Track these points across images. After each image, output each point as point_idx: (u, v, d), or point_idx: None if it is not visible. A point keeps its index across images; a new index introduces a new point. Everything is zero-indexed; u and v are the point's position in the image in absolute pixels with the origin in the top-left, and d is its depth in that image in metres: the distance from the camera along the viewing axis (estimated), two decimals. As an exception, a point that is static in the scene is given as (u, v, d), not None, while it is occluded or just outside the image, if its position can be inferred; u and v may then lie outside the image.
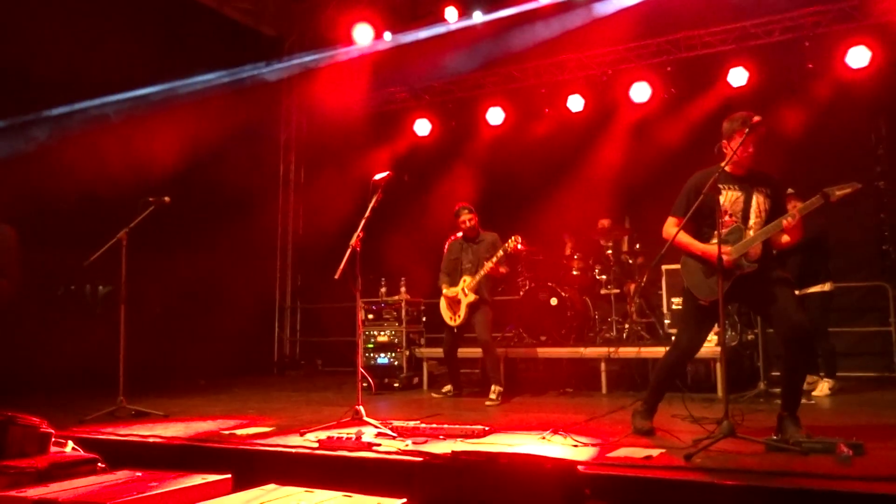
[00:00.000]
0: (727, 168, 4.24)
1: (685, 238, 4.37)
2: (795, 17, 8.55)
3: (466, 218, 6.93)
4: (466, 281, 6.80)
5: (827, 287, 6.21)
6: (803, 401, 5.15)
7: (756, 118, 4.19)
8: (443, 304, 6.99)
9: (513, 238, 6.56)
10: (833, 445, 3.55)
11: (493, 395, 6.49)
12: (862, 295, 7.97)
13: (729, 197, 4.27)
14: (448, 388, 7.09)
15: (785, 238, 4.20)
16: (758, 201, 4.24)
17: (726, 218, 4.26)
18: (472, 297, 6.73)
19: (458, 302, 6.82)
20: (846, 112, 8.30)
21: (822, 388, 6.12)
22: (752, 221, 4.23)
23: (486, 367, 6.81)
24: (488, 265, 6.62)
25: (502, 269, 6.74)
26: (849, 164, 7.91)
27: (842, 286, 7.31)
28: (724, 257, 4.07)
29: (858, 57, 8.18)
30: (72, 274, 8.24)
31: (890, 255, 8.07)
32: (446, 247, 7.19)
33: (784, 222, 4.11)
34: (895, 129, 8.24)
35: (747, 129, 4.16)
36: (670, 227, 4.42)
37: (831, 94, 8.41)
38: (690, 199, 4.29)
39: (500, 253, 6.58)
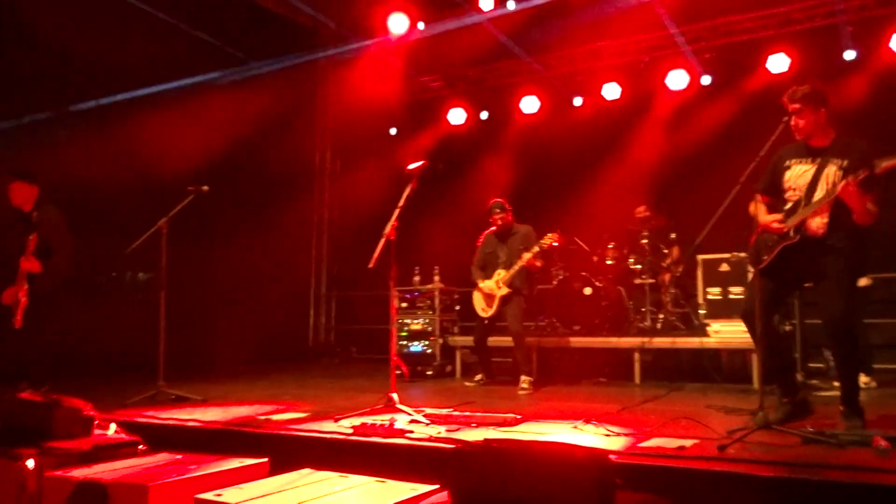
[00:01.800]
0: (807, 141, 4.20)
1: (761, 212, 4.37)
2: (838, 1, 8.34)
3: (499, 216, 6.92)
4: (501, 274, 6.80)
5: (862, 283, 6.07)
6: (838, 394, 5.14)
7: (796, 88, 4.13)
8: (476, 296, 7.01)
9: (549, 235, 6.55)
10: (870, 438, 3.50)
11: (524, 385, 6.50)
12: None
13: (796, 171, 4.24)
14: (480, 376, 7.12)
15: (854, 215, 3.99)
16: (828, 173, 4.10)
17: (790, 194, 4.24)
18: (505, 290, 6.76)
19: (492, 295, 6.85)
20: (892, 98, 8.09)
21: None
22: (817, 195, 4.11)
23: (516, 357, 6.82)
24: (522, 259, 6.62)
25: (538, 263, 6.72)
26: (893, 154, 7.70)
27: (884, 277, 7.17)
28: (775, 225, 4.17)
29: (903, 42, 7.98)
30: (114, 261, 8.42)
31: (935, 245, 7.85)
32: (480, 240, 7.19)
33: (828, 192, 4.00)
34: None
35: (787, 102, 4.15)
36: (751, 204, 4.39)
37: (876, 81, 8.21)
38: (767, 174, 4.33)
39: (536, 248, 6.57)
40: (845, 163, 4.05)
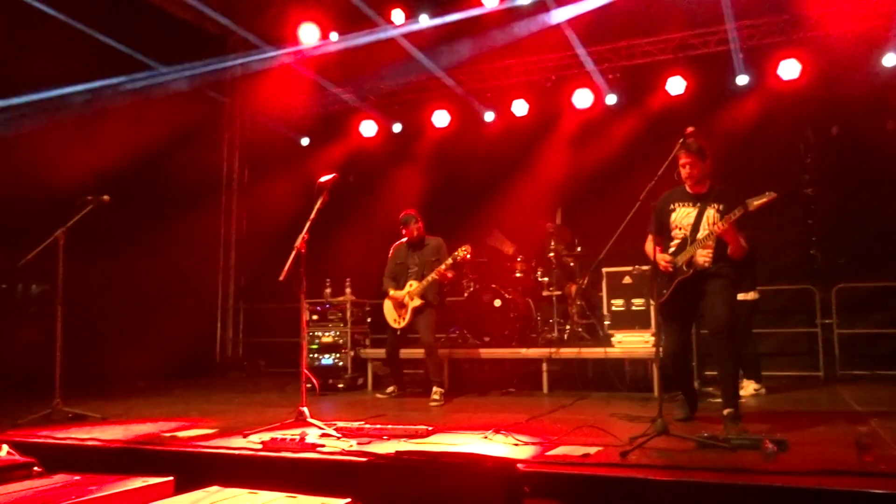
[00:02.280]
0: (687, 188, 4.86)
1: (650, 249, 4.98)
2: (730, 29, 8.86)
3: (413, 227, 6.98)
4: (412, 285, 6.86)
5: (751, 296, 6.44)
6: None
7: (680, 142, 4.68)
8: (388, 306, 7.04)
9: (463, 248, 6.67)
10: (759, 442, 3.73)
11: (435, 396, 6.59)
12: (790, 297, 8.33)
13: (681, 213, 4.86)
14: (392, 388, 7.14)
15: (729, 249, 4.66)
16: (707, 215, 4.74)
17: (676, 232, 4.86)
18: (417, 301, 6.83)
19: (404, 306, 6.90)
20: (777, 122, 8.66)
21: (748, 388, 6.38)
22: (700, 234, 4.74)
23: (428, 368, 6.86)
24: (435, 273, 6.72)
25: (449, 275, 6.82)
26: (779, 172, 8.25)
27: (770, 289, 7.64)
28: (663, 264, 4.78)
29: (789, 69, 8.56)
30: (4, 273, 7.98)
31: (817, 259, 8.44)
32: (392, 251, 7.22)
33: (710, 231, 4.66)
34: (822, 139, 8.61)
35: (680, 152, 4.72)
36: (647, 243, 5.05)
37: (763, 104, 8.77)
38: (655, 217, 4.93)
39: (450, 261, 6.68)
40: (721, 206, 4.73)
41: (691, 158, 4.74)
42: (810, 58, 8.50)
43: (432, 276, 6.74)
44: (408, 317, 6.87)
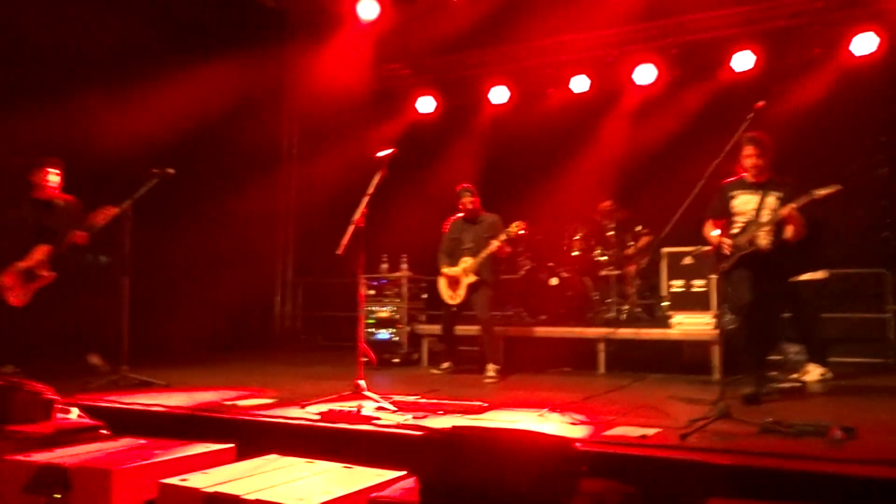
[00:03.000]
0: (747, 177, 5.30)
1: (710, 233, 5.42)
2: (802, 1, 8.50)
3: (468, 200, 6.93)
4: (467, 262, 6.81)
5: (819, 275, 6.24)
6: (797, 385, 5.62)
7: (743, 137, 4.90)
8: (442, 283, 7.03)
9: (516, 223, 6.58)
10: (825, 428, 3.61)
11: (490, 373, 6.56)
12: (861, 281, 8.01)
13: (742, 200, 5.29)
14: (447, 364, 7.16)
15: (788, 233, 5.03)
16: (768, 202, 5.16)
17: (738, 218, 5.29)
18: (472, 277, 6.77)
19: (458, 282, 6.86)
20: (851, 98, 8.30)
21: (814, 373, 6.17)
22: (763, 217, 5.15)
23: (484, 345, 6.84)
24: (491, 247, 6.63)
25: (507, 249, 6.77)
26: (852, 151, 7.94)
27: (840, 272, 7.37)
28: (724, 247, 5.21)
29: (864, 43, 8.18)
30: (75, 244, 8.25)
31: (890, 243, 8.11)
32: (446, 227, 7.18)
33: (778, 216, 5.03)
34: (899, 116, 8.24)
35: (746, 145, 5.16)
36: (705, 228, 5.49)
37: (836, 80, 8.41)
38: (714, 203, 5.39)
39: (504, 236, 6.60)
40: (781, 195, 5.14)
41: (756, 150, 5.17)
42: (887, 31, 8.09)
43: (487, 251, 6.67)
44: (462, 293, 6.83)
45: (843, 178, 4.78)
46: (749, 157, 5.21)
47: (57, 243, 6.56)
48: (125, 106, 8.06)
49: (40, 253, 6.61)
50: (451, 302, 6.96)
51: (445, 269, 6.97)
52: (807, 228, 5.00)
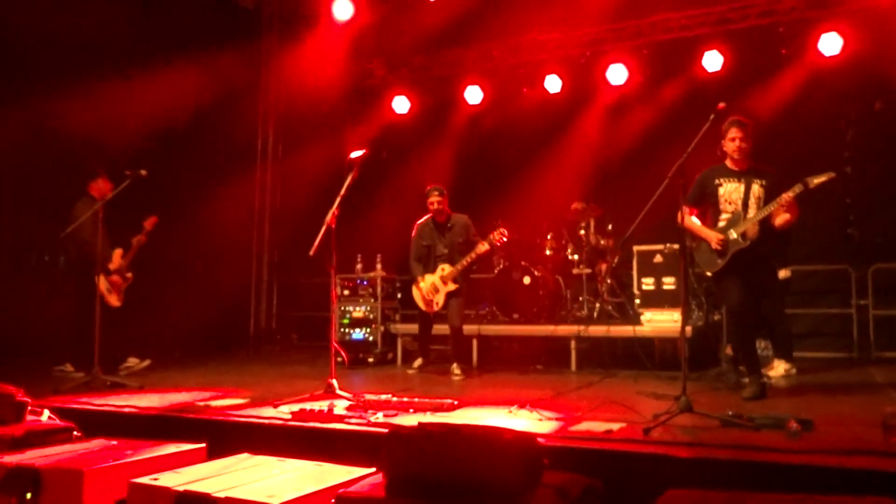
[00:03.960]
0: (728, 164, 5.16)
1: (694, 223, 5.21)
2: (771, 2, 8.65)
3: (436, 200, 6.86)
4: (445, 270, 6.80)
5: (782, 274, 6.37)
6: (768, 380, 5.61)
7: (728, 121, 5.03)
8: (417, 292, 6.97)
9: (499, 231, 6.65)
10: (784, 421, 3.72)
11: (456, 371, 6.66)
12: (825, 277, 8.19)
13: (729, 188, 5.13)
14: (419, 361, 7.21)
15: (780, 220, 4.91)
16: (754, 192, 5.04)
17: (726, 206, 5.12)
18: (451, 286, 6.77)
19: (438, 290, 6.83)
20: (818, 97, 8.46)
21: (779, 369, 6.31)
22: (751, 209, 5.03)
23: (453, 347, 6.90)
24: (474, 254, 6.66)
25: (486, 248, 6.73)
26: (819, 149, 8.09)
27: (805, 269, 7.52)
28: (714, 243, 5.06)
29: (831, 44, 8.32)
30: (46, 244, 8.20)
31: (854, 239, 8.28)
32: (415, 231, 7.09)
33: (773, 208, 4.91)
34: (864, 115, 8.40)
35: (734, 128, 5.05)
36: (685, 216, 5.08)
37: (804, 80, 8.56)
38: (695, 190, 5.20)
39: (486, 247, 6.63)
40: (764, 182, 5.06)
41: (742, 133, 5.04)
42: (853, 32, 8.25)
43: (468, 259, 6.69)
44: (441, 300, 6.82)
45: (810, 175, 4.79)
46: (734, 140, 5.05)
47: (125, 246, 7.23)
48: (99, 104, 8.00)
49: (119, 256, 7.20)
50: (428, 309, 6.91)
51: (422, 282, 6.89)
52: (788, 223, 4.92)
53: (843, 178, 8.31)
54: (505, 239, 6.72)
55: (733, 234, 5.03)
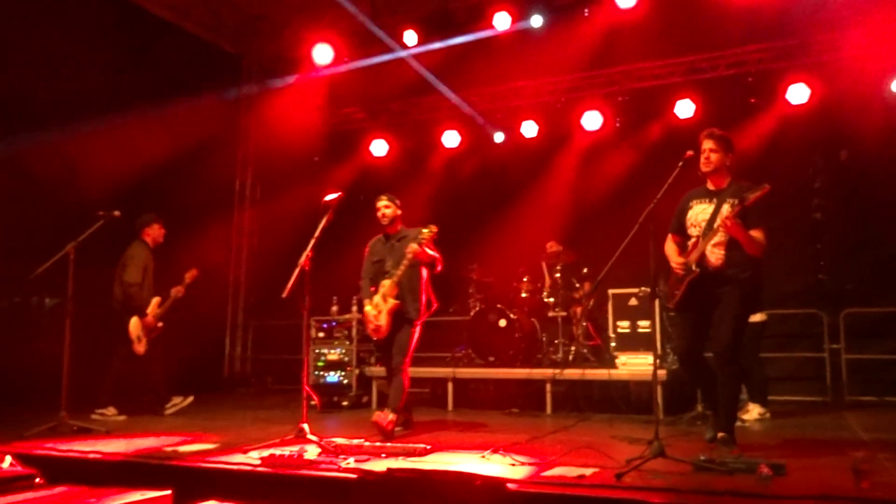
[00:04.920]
0: (708, 184, 4.79)
1: (669, 251, 4.88)
2: (740, 53, 8.91)
3: (383, 205, 6.00)
4: (385, 285, 5.75)
5: (757, 318, 6.40)
6: (738, 423, 5.47)
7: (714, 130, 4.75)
8: (365, 314, 5.96)
9: (428, 227, 5.79)
10: (756, 465, 3.72)
11: (383, 418, 5.45)
12: (798, 322, 8.27)
13: (697, 210, 4.75)
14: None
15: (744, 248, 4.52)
16: (723, 212, 4.55)
17: (692, 230, 4.75)
18: (391, 302, 5.70)
19: (380, 311, 5.75)
20: (786, 145, 8.65)
21: (753, 412, 6.34)
22: (707, 233, 4.61)
23: (390, 388, 5.80)
24: (406, 259, 5.64)
25: (427, 255, 5.76)
26: (787, 196, 8.23)
27: (778, 313, 7.60)
28: (674, 265, 4.71)
29: (798, 93, 8.56)
30: (18, 286, 8.09)
31: (825, 284, 8.39)
32: (367, 249, 6.23)
33: (715, 229, 4.52)
34: (831, 163, 8.60)
35: (704, 139, 4.73)
36: (666, 243, 4.90)
37: (772, 128, 8.76)
38: (676, 215, 4.87)
39: (415, 245, 5.66)
40: (736, 201, 4.52)
41: (714, 144, 4.68)
42: (819, 82, 8.50)
43: (403, 265, 5.66)
44: (384, 322, 5.71)
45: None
46: (704, 152, 4.67)
47: (164, 295, 7.33)
48: (77, 147, 8.01)
49: (156, 304, 7.26)
50: (376, 336, 5.87)
51: (369, 300, 5.89)
52: (756, 244, 4.48)
53: (813, 225, 8.57)
54: (433, 231, 5.76)
55: (690, 261, 4.64)
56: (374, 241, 6.20)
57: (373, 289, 5.91)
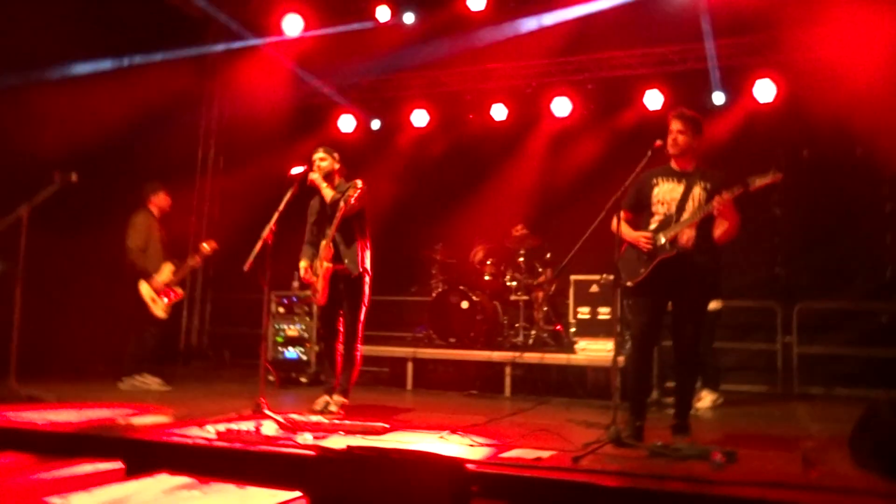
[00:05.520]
0: (672, 163, 4.64)
1: (624, 228, 4.66)
2: (709, 46, 8.96)
3: (318, 157, 5.58)
4: (321, 245, 5.45)
5: (713, 305, 6.47)
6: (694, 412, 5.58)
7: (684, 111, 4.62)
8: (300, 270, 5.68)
9: (358, 181, 5.54)
10: (708, 452, 3.79)
11: (332, 407, 5.37)
12: (752, 314, 8.44)
13: (665, 188, 4.60)
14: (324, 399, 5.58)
15: (718, 231, 4.43)
16: (694, 194, 4.50)
17: (658, 207, 4.59)
18: (326, 265, 5.38)
19: (315, 276, 5.48)
20: (751, 141, 8.76)
21: (706, 400, 6.45)
22: (686, 213, 4.49)
23: (342, 365, 5.53)
24: (340, 212, 5.31)
25: (353, 201, 5.36)
26: (749, 190, 8.35)
27: (735, 305, 7.74)
28: (643, 241, 4.51)
29: (764, 90, 8.67)
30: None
31: (781, 279, 8.57)
32: (309, 210, 5.79)
33: (707, 210, 4.37)
34: (794, 160, 8.72)
35: (673, 119, 4.59)
36: (617, 221, 4.61)
37: (738, 123, 8.87)
38: (632, 191, 4.64)
39: (342, 205, 5.33)
40: (708, 185, 4.49)
41: (682, 126, 4.54)
42: (785, 80, 8.62)
43: (334, 224, 5.33)
44: (321, 287, 5.38)
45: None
46: (671, 133, 4.54)
47: (178, 263, 7.32)
48: (35, 107, 7.75)
49: (170, 271, 7.24)
50: (317, 303, 5.60)
51: (302, 264, 5.62)
52: (737, 229, 4.40)
53: (772, 220, 8.72)
54: (360, 189, 5.42)
55: (661, 239, 4.48)
56: (313, 201, 5.74)
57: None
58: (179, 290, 7.33)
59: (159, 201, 7.43)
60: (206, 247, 7.39)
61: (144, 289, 7.07)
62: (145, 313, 7.07)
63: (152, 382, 6.97)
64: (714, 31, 8.68)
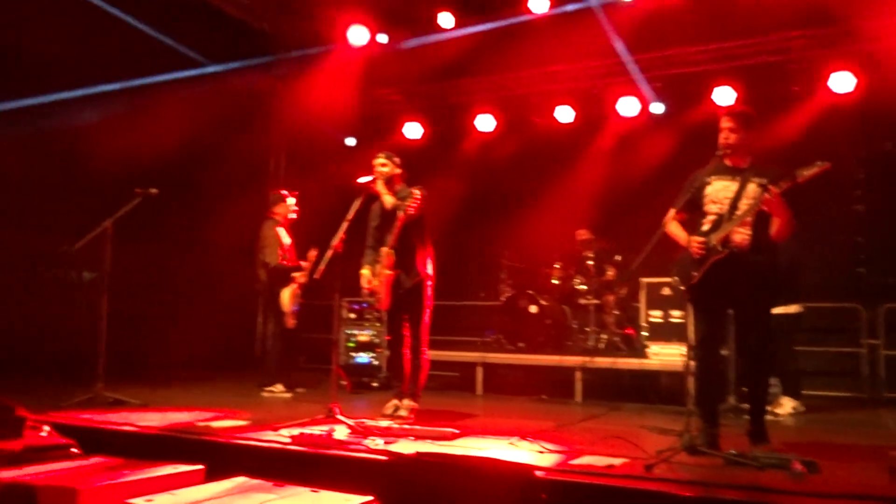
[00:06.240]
0: (726, 161, 4.40)
1: (675, 229, 4.49)
2: (782, 39, 8.69)
3: (378, 163, 5.60)
4: (382, 252, 5.51)
5: (794, 309, 6.27)
6: (769, 417, 5.35)
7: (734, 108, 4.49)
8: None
9: (412, 193, 5.49)
10: (788, 462, 3.66)
11: (402, 412, 5.45)
12: (835, 316, 8.11)
13: (717, 186, 4.38)
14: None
15: (773, 228, 4.21)
16: (748, 191, 4.28)
17: (710, 206, 4.38)
18: (387, 272, 5.44)
19: (377, 282, 5.54)
20: (829, 135, 8.43)
21: (786, 407, 6.24)
22: (740, 211, 4.25)
23: (408, 370, 5.57)
24: (395, 229, 5.37)
25: (414, 212, 5.40)
26: (830, 187, 8.02)
27: (815, 306, 7.46)
28: (695, 247, 4.29)
29: (842, 82, 8.34)
30: (57, 259, 8.26)
31: (864, 278, 8.22)
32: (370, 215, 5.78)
33: (756, 208, 4.15)
34: (875, 153, 8.38)
35: (723, 116, 4.41)
36: (669, 222, 4.49)
37: (815, 117, 8.56)
38: (685, 190, 4.47)
39: (401, 213, 5.40)
40: (764, 181, 4.23)
41: (733, 123, 4.36)
42: (863, 71, 8.28)
43: (395, 232, 5.37)
44: (382, 293, 5.49)
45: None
46: (723, 131, 4.37)
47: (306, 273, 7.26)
48: (112, 123, 8.11)
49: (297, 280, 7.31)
50: (380, 308, 5.75)
51: (370, 268, 5.63)
52: (791, 225, 4.18)
53: (854, 217, 8.38)
54: (420, 193, 5.44)
55: (713, 241, 4.27)
56: (375, 205, 5.73)
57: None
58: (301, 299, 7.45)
59: (281, 210, 7.57)
60: (311, 254, 7.37)
61: (286, 297, 7.27)
62: (276, 325, 7.36)
63: (278, 391, 7.18)
64: (786, 23, 8.41)
